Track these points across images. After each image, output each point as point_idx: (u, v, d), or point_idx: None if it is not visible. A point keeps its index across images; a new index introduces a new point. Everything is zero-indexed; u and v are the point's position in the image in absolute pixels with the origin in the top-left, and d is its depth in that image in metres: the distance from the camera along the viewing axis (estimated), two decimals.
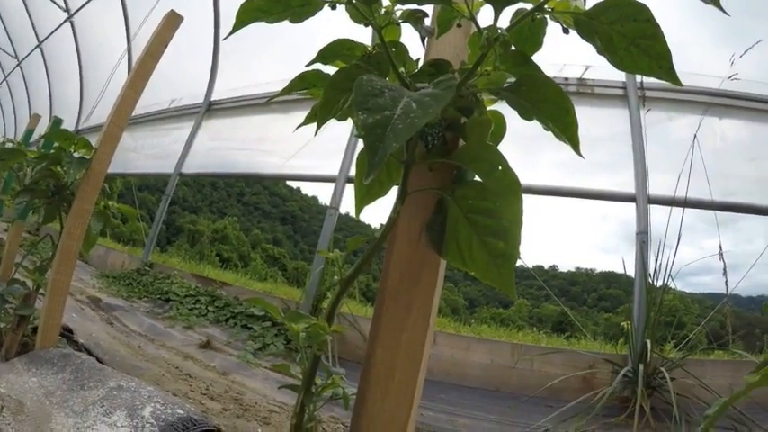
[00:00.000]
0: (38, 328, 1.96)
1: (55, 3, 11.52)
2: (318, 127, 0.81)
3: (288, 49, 6.48)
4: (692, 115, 4.17)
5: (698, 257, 3.84)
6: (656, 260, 3.55)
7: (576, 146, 0.77)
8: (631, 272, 3.85)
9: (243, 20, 0.86)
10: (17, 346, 1.94)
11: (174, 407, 1.50)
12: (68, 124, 10.15)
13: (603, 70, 4.55)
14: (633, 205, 4.05)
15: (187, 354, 3.27)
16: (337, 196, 5.29)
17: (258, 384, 2.87)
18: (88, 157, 2.05)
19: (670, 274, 3.48)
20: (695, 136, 3.79)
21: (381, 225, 0.82)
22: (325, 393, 0.91)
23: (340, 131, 5.35)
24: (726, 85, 4.08)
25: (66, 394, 1.58)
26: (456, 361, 4.04)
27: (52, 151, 2.12)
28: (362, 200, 0.96)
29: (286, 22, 0.89)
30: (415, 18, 0.89)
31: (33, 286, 2.08)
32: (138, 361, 2.62)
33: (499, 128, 0.89)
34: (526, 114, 0.79)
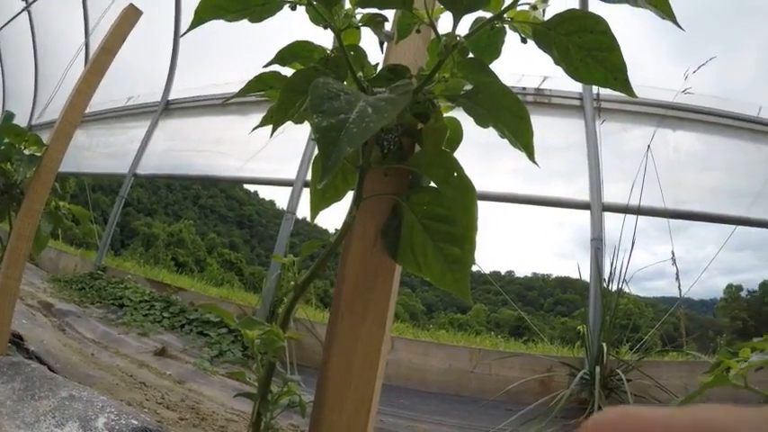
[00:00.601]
0: None
1: None
2: (274, 129, 0.80)
3: (249, 49, 6.40)
4: (646, 126, 4.33)
5: (651, 262, 3.99)
6: (611, 265, 3.66)
7: (530, 154, 0.78)
8: (587, 277, 3.96)
9: (201, 17, 0.85)
10: None
11: (129, 417, 1.46)
12: (22, 118, 9.73)
13: (561, 81, 4.68)
14: (588, 212, 4.16)
15: (142, 361, 3.18)
16: (294, 200, 5.24)
17: (215, 392, 2.81)
18: (39, 154, 1.98)
19: (624, 279, 3.60)
20: (649, 146, 3.94)
21: (337, 230, 0.81)
22: (281, 401, 0.89)
23: (298, 135, 5.31)
24: (680, 99, 4.26)
25: (16, 405, 1.53)
26: (415, 366, 4.06)
27: (2, 147, 2.04)
28: (318, 204, 0.95)
29: (247, 22, 0.88)
30: (375, 22, 0.89)
31: None
32: (91, 369, 2.52)
33: (456, 134, 0.90)
34: (482, 121, 0.80)
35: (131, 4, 2.19)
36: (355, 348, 0.79)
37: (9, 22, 11.90)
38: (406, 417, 3.03)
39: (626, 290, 3.68)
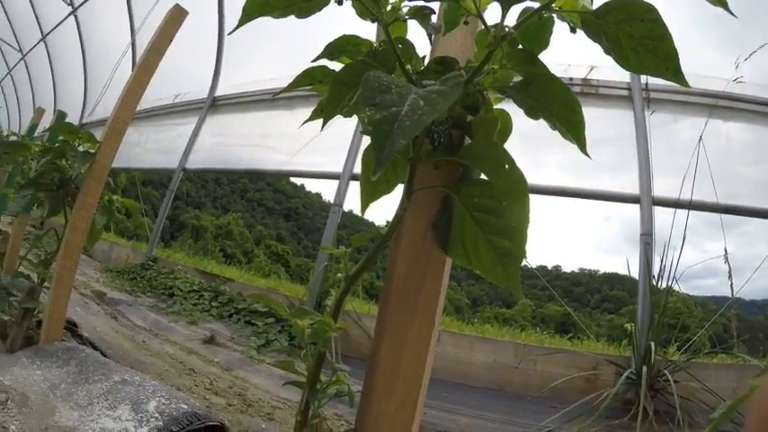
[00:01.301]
0: (42, 321, 1.97)
1: None
2: (324, 123, 0.81)
3: (292, 44, 6.48)
4: (696, 117, 4.15)
5: (701, 260, 3.82)
6: (661, 262, 3.54)
7: (582, 145, 0.76)
8: (635, 273, 3.85)
9: (249, 14, 0.85)
10: (21, 339, 1.94)
11: (179, 401, 1.50)
12: (72, 118, 10.15)
13: (608, 71, 4.54)
14: (637, 206, 4.04)
15: (191, 349, 3.28)
16: (341, 193, 5.29)
17: (262, 380, 2.88)
18: (93, 150, 2.05)
19: (674, 277, 3.47)
20: (700, 138, 3.78)
21: (387, 222, 0.81)
22: (329, 390, 0.91)
23: (344, 128, 5.36)
24: (731, 88, 4.07)
25: (70, 387, 1.59)
26: (459, 360, 4.04)
27: (57, 145, 2.12)
28: (369, 197, 0.95)
29: (291, 18, 0.88)
30: (422, 15, 0.88)
31: (38, 280, 2.09)
32: (142, 355, 2.62)
33: (505, 126, 0.88)
34: (532, 113, 0.79)
35: (177, 5, 2.24)
36: (404, 340, 0.79)
37: (56, 26, 12.45)
38: (449, 410, 3.03)
39: (675, 287, 3.56)
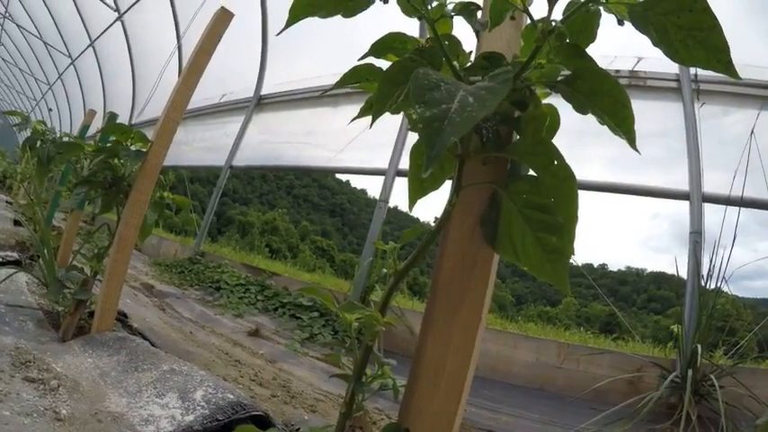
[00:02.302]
0: (94, 312, 2.05)
1: (105, 3, 11.99)
2: (374, 119, 0.82)
3: (336, 43, 6.54)
4: (748, 109, 3.96)
5: (752, 260, 3.66)
6: (710, 262, 3.41)
7: (632, 140, 0.75)
8: (683, 273, 3.70)
9: (296, 15, 0.86)
10: (74, 328, 2.03)
11: (225, 391, 1.55)
12: (122, 119, 10.58)
13: (656, 62, 4.38)
14: (686, 203, 3.89)
15: (236, 341, 3.37)
16: (387, 189, 5.31)
17: (305, 373, 2.93)
18: (144, 149, 2.13)
19: (724, 277, 3.33)
20: (752, 131, 3.60)
21: (435, 218, 0.82)
22: (374, 384, 0.92)
23: (388, 125, 5.37)
24: None
25: (120, 375, 1.65)
26: (501, 358, 4.00)
27: (109, 144, 2.21)
28: (416, 193, 0.95)
29: (336, 17, 0.89)
30: (469, 11, 0.88)
31: (90, 273, 2.18)
32: (189, 346, 2.71)
33: (553, 122, 0.87)
34: (581, 108, 0.78)
35: (223, 7, 2.30)
36: (450, 336, 0.80)
37: (104, 32, 12.93)
38: (489, 408, 3.01)
39: (725, 289, 3.41)
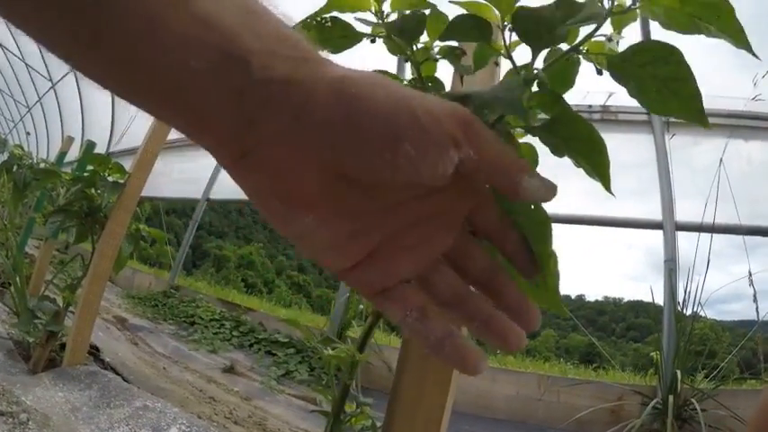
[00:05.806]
0: (66, 344, 2.01)
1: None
2: None
3: None
4: (717, 138, 4.09)
5: (727, 283, 3.74)
6: (686, 288, 3.47)
7: (607, 184, 0.76)
8: (660, 300, 3.77)
9: None
10: (45, 361, 1.97)
11: (199, 429, 1.51)
12: (100, 146, 10.47)
13: (627, 96, 4.49)
14: (660, 232, 3.98)
15: (211, 377, 3.29)
16: None
17: (281, 411, 2.86)
18: (122, 181, 2.12)
19: (700, 302, 3.40)
20: (721, 160, 3.73)
21: None
22: (356, 425, 0.91)
23: None
24: (750, 107, 4.03)
25: (92, 411, 1.61)
26: (481, 392, 3.96)
27: (86, 174, 2.19)
28: None
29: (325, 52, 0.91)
30: (455, 55, 0.90)
31: (63, 304, 2.13)
32: (162, 382, 2.64)
33: (532, 161, 0.89)
34: (558, 151, 0.79)
35: None
36: (426, 372, 0.79)
37: None
38: None
39: (701, 313, 3.48)
